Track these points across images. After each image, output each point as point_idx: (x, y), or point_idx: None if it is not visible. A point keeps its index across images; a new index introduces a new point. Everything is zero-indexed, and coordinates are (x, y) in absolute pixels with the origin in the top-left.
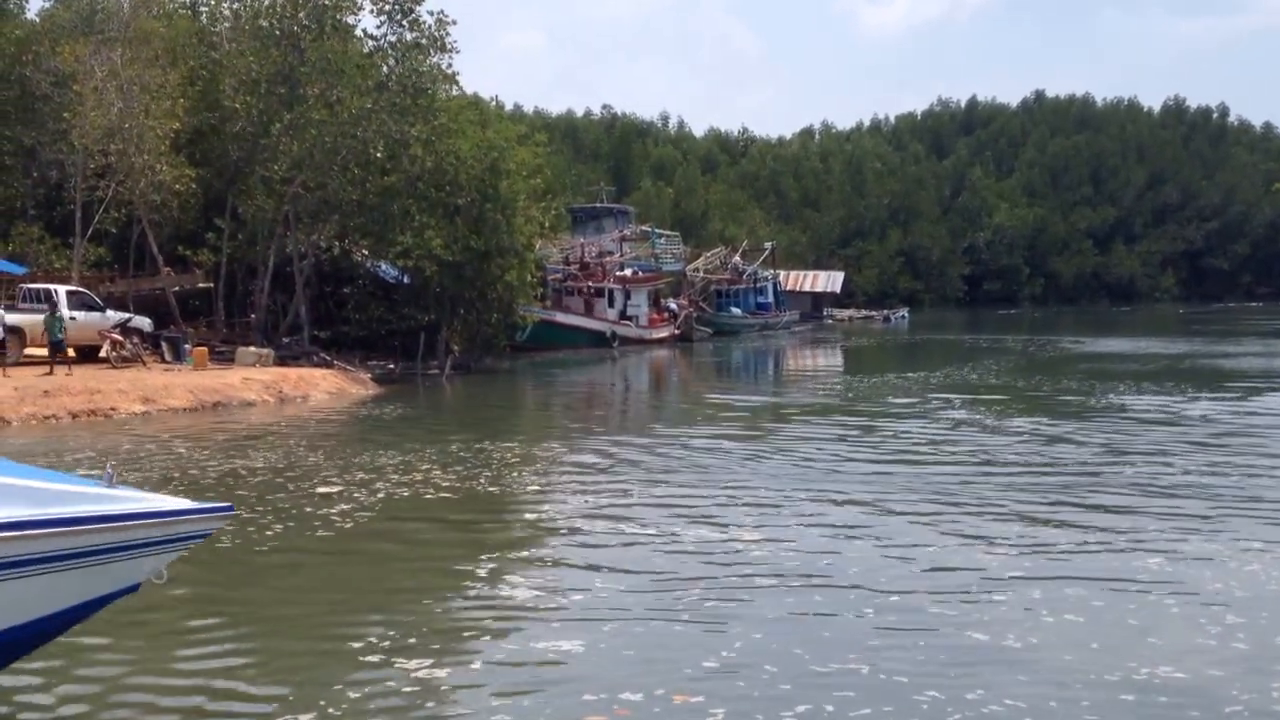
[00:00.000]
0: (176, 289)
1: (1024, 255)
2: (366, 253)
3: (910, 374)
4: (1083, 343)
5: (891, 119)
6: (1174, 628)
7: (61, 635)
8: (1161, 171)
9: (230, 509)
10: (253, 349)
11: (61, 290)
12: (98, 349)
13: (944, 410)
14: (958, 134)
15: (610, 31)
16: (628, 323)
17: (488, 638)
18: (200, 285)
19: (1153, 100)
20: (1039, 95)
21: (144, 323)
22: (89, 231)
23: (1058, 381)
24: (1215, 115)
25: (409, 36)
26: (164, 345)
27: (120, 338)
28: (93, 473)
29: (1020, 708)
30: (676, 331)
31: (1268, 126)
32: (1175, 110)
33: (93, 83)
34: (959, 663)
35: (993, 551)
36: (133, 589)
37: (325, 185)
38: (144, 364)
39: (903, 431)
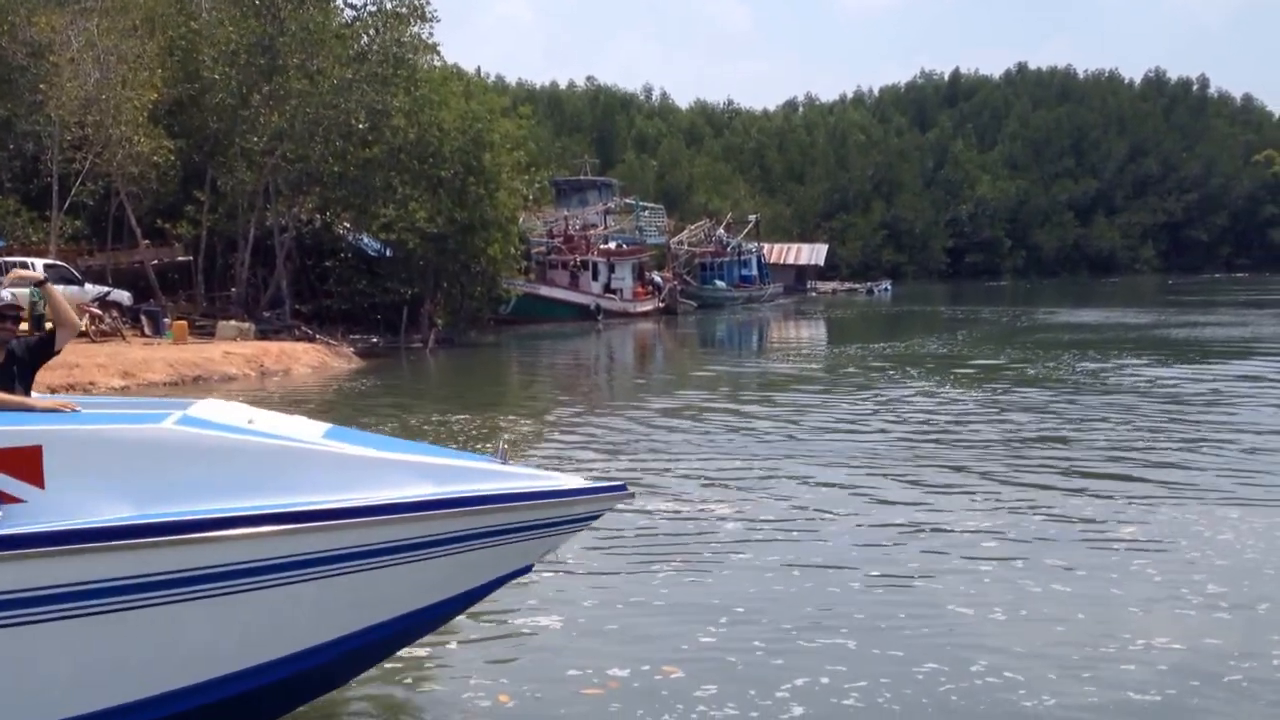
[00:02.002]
0: (155, 262)
1: (1006, 228)
2: (348, 225)
3: (890, 344)
4: (1056, 313)
5: (875, 91)
6: (1158, 597)
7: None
8: (1142, 143)
9: (624, 489)
10: (233, 323)
11: (39, 264)
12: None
13: (918, 381)
14: (941, 106)
15: (594, 3)
16: (612, 296)
17: (466, 615)
18: (179, 258)
19: (1134, 72)
20: (1021, 67)
21: (123, 296)
22: (66, 204)
23: (1031, 352)
24: (1195, 87)
25: (389, 5)
26: (143, 319)
27: (99, 312)
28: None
29: (1018, 680)
30: (661, 304)
31: (1248, 98)
32: (1156, 82)
33: (69, 53)
34: (950, 635)
35: (971, 523)
36: (526, 570)
37: (306, 157)
38: (123, 338)
39: (880, 402)
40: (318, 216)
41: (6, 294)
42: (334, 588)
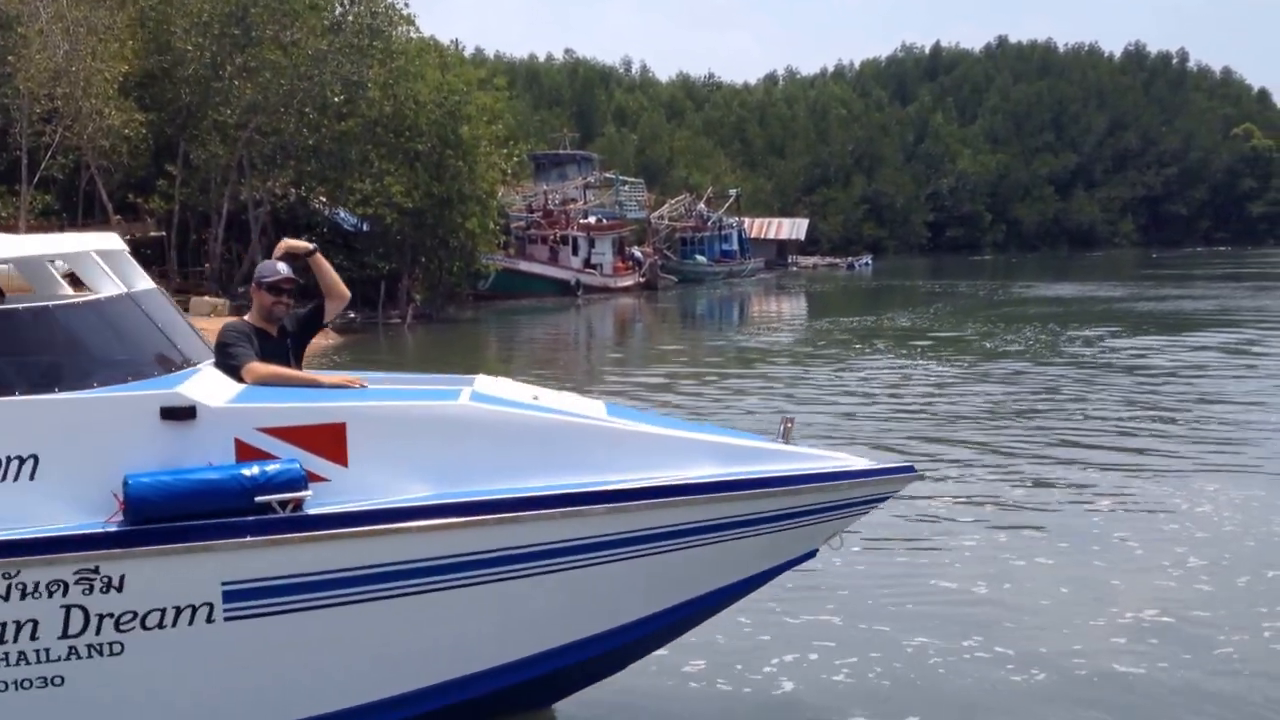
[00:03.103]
0: (128, 238)
1: (986, 202)
2: (324, 200)
3: (869, 319)
4: (1033, 287)
5: (855, 65)
6: (1141, 569)
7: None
8: (1122, 117)
9: (913, 470)
10: (207, 299)
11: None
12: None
13: (893, 353)
14: (921, 80)
15: None
16: (592, 271)
17: None
18: (152, 234)
19: (1114, 45)
20: (1002, 41)
21: None
22: (35, 178)
23: (1006, 326)
24: (1175, 61)
25: None
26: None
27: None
28: None
29: (1007, 654)
30: (641, 279)
31: (1227, 72)
32: (1136, 56)
33: (38, 25)
34: (936, 609)
35: (950, 496)
36: (811, 555)
37: (280, 130)
38: None
39: (859, 375)
40: (292, 191)
41: (282, 267)
42: (626, 572)
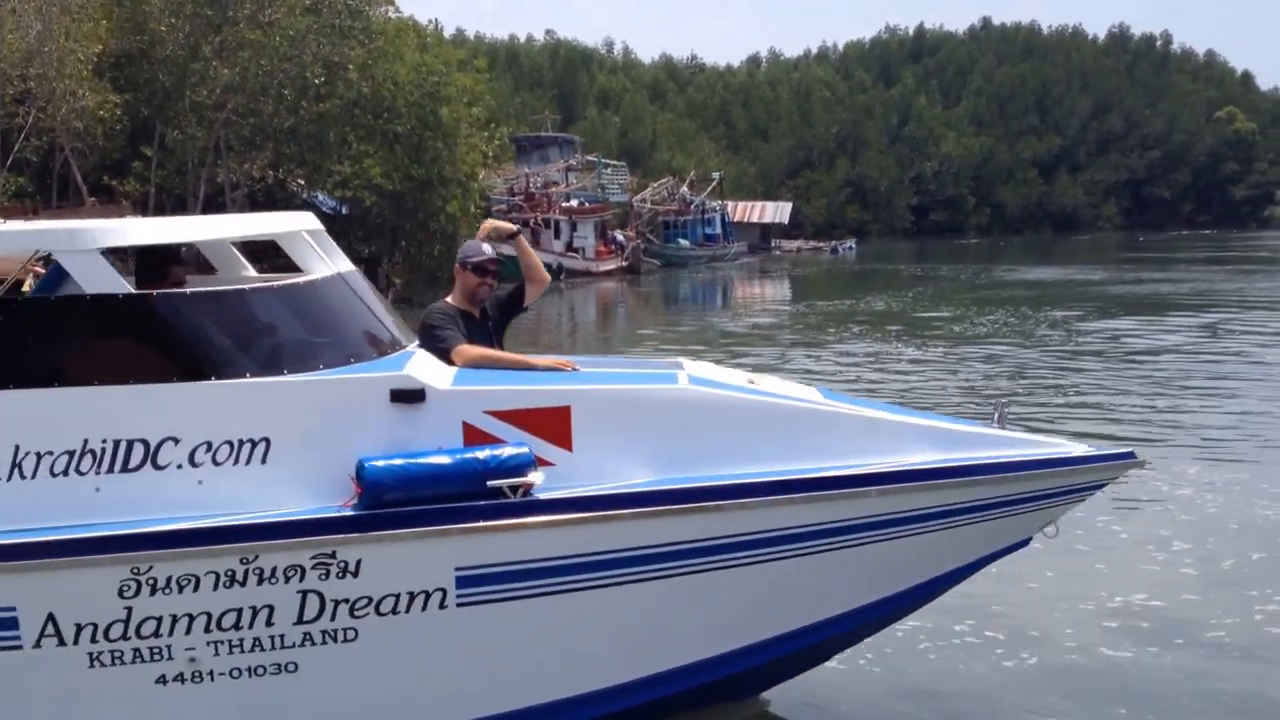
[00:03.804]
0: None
1: (970, 185)
2: (302, 183)
3: (851, 301)
4: (1015, 270)
5: (839, 47)
6: (1127, 554)
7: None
8: (1105, 100)
9: (1134, 456)
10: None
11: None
12: (21, 283)
13: (872, 336)
14: (905, 62)
15: None
16: (574, 255)
17: None
18: (128, 217)
19: (1098, 28)
20: (986, 23)
21: None
22: (9, 161)
23: (987, 309)
24: (1159, 43)
25: None
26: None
27: (44, 271)
28: None
29: (997, 639)
30: (624, 263)
31: (1210, 54)
32: (1119, 38)
33: (10, 4)
34: None
35: None
36: (1024, 543)
37: (258, 112)
38: None
39: (839, 356)
40: (270, 173)
41: (487, 248)
42: (852, 559)
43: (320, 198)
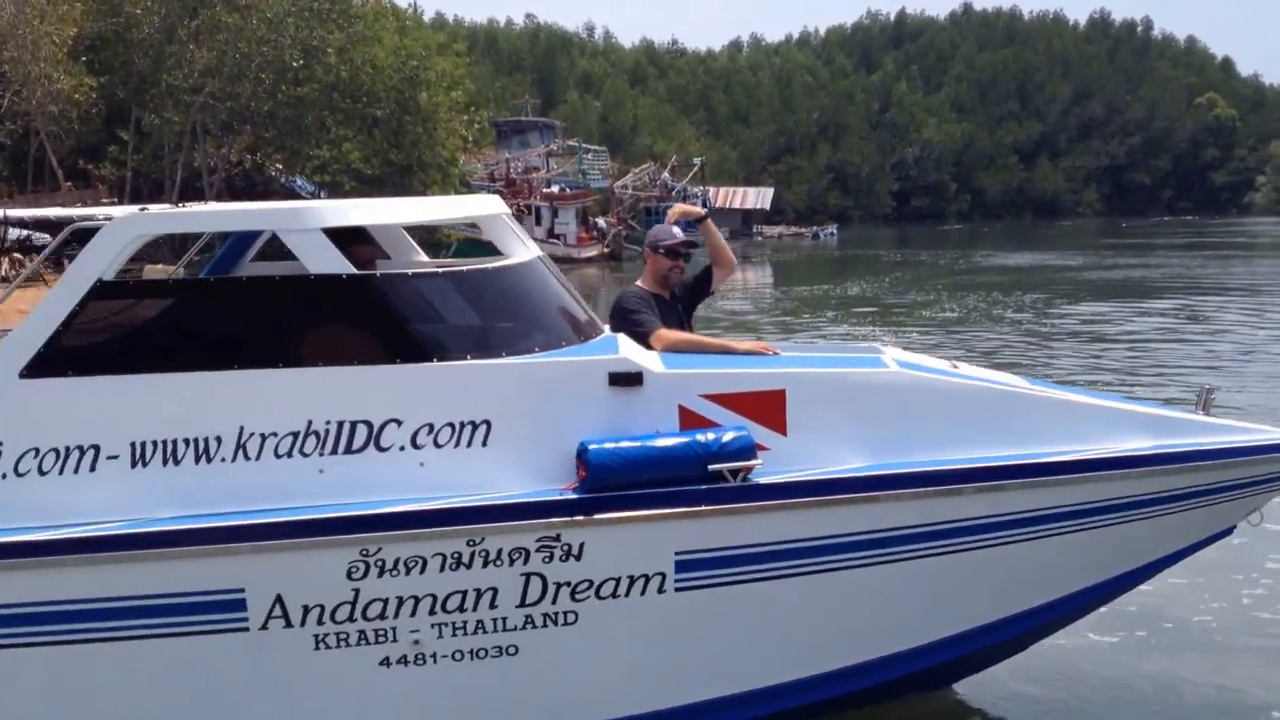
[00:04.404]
0: (79, 205)
1: (951, 171)
2: (280, 167)
3: (832, 288)
4: (992, 255)
5: (820, 32)
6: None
7: None
8: (1086, 86)
9: None
10: (160, 266)
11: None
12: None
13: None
14: (886, 48)
15: None
16: (555, 241)
17: None
18: (104, 201)
19: (1078, 13)
20: (967, 8)
21: (44, 240)
22: None
23: (966, 295)
24: (1140, 29)
25: None
26: (66, 264)
27: (20, 256)
28: None
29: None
30: (605, 250)
31: (1191, 40)
32: (1100, 24)
33: None
34: None
35: None
36: (1229, 531)
37: (236, 95)
38: (46, 284)
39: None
40: (248, 157)
41: (677, 231)
42: (1065, 546)
43: (299, 182)
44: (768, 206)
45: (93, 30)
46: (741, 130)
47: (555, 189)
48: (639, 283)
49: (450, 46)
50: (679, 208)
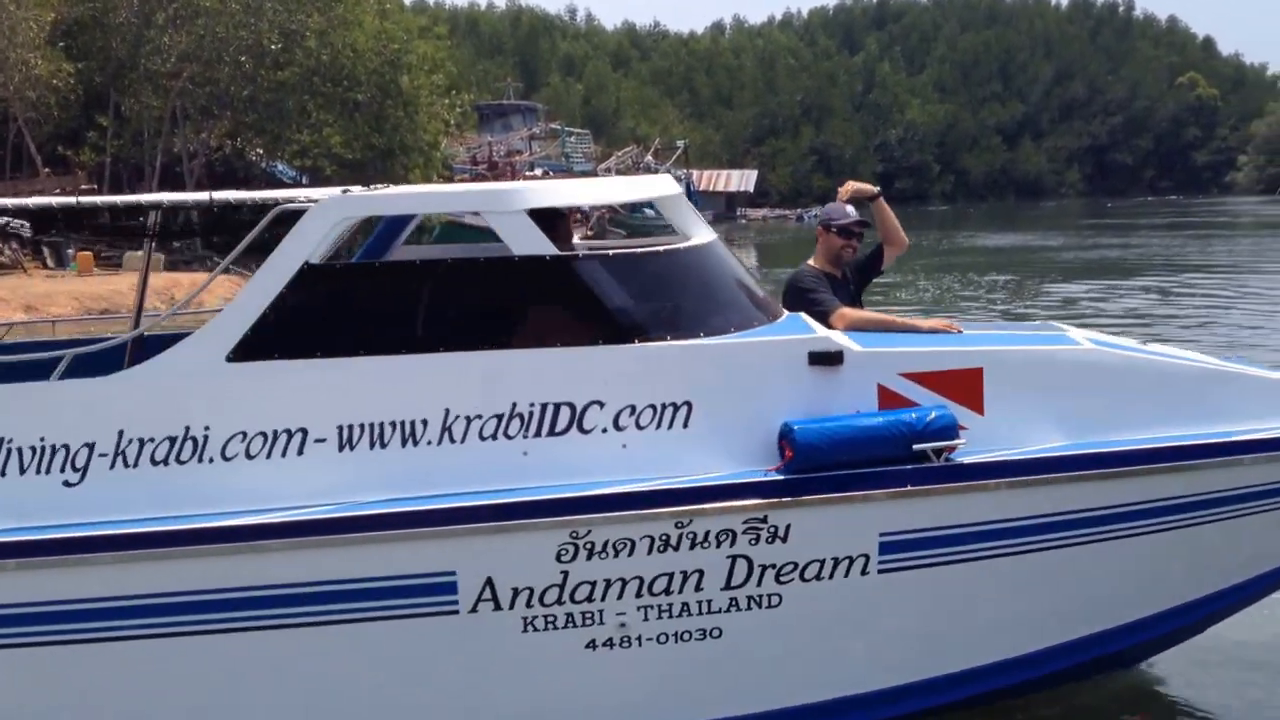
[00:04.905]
0: (58, 191)
1: (934, 152)
2: (261, 152)
3: None
4: (975, 236)
5: (803, 13)
6: None
7: None
8: (1069, 66)
9: None
10: (140, 254)
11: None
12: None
13: None
14: (869, 29)
15: None
16: None
17: None
18: (83, 187)
19: None
20: None
21: (22, 226)
22: None
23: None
24: (1121, 9)
25: None
26: (45, 251)
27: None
28: None
29: None
30: (589, 233)
31: (1172, 20)
32: (1082, 5)
33: None
34: None
35: None
36: None
37: (215, 80)
38: (24, 271)
39: None
40: (228, 143)
41: (850, 210)
42: (1260, 526)
43: (280, 167)
44: (751, 189)
45: (70, 15)
46: (724, 113)
47: (538, 172)
48: (810, 262)
49: (431, 30)
50: (850, 185)
